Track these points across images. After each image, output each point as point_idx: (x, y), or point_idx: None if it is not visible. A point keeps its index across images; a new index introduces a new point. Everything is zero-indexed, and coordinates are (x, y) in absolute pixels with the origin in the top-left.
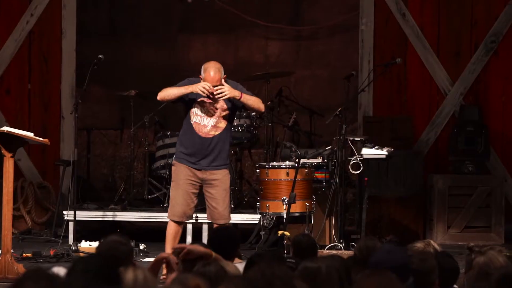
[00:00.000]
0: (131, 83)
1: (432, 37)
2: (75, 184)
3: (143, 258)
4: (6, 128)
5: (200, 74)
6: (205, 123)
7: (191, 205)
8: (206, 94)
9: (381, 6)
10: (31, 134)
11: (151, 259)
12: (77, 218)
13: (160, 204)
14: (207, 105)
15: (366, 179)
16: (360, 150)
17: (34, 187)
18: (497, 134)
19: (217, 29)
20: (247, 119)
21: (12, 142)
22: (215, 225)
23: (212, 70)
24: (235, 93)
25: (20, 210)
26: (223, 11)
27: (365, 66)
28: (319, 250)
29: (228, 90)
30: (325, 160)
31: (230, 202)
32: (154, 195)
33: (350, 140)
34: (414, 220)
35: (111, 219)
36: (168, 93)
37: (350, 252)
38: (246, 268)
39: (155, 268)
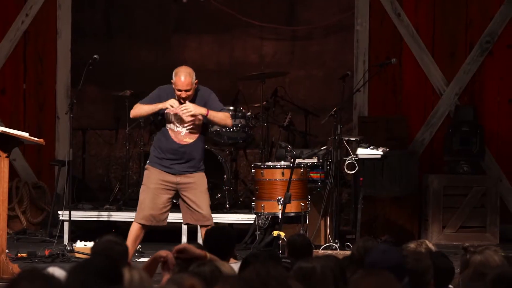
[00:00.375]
0: (126, 83)
1: (427, 37)
2: (70, 184)
3: (138, 258)
4: (1, 128)
5: (172, 79)
6: (179, 130)
7: (162, 209)
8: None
9: (376, 6)
10: (26, 134)
11: (146, 259)
12: (72, 218)
13: None
14: (181, 113)
15: (361, 179)
16: (355, 150)
17: (29, 187)
18: (492, 134)
19: (212, 29)
20: (243, 119)
21: (7, 142)
22: (201, 228)
23: (182, 75)
24: (201, 111)
25: (15, 210)
26: (218, 11)
27: (360, 66)
28: (314, 250)
29: (193, 108)
30: (320, 160)
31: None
32: None
33: (345, 140)
34: (409, 220)
35: (106, 219)
36: (140, 112)
37: (345, 252)
38: (241, 268)
39: (150, 267)
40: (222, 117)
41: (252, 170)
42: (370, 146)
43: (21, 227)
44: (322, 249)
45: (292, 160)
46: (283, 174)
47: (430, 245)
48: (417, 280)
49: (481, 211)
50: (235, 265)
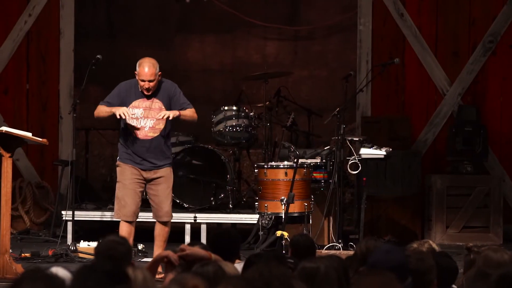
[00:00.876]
0: None
1: (430, 37)
2: (73, 184)
3: (142, 258)
4: (4, 128)
5: (136, 70)
6: (142, 125)
7: (139, 204)
8: (135, 127)
9: (379, 6)
10: (29, 134)
11: (150, 259)
12: (75, 218)
13: None
14: (144, 107)
15: (364, 179)
16: (359, 150)
17: (32, 187)
18: (495, 134)
19: (214, 29)
20: (246, 119)
21: (10, 142)
22: (156, 223)
23: (146, 66)
24: (175, 113)
25: (18, 210)
26: (220, 11)
27: (363, 66)
28: (317, 250)
29: (170, 114)
30: (324, 160)
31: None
32: None
33: (348, 140)
34: (412, 220)
35: (109, 219)
36: (99, 114)
37: (348, 252)
38: (244, 268)
39: (154, 267)
40: (190, 114)
41: (255, 170)
42: (373, 146)
43: (25, 227)
44: (325, 249)
45: (295, 160)
46: (286, 174)
47: (434, 245)
48: (420, 280)
49: (484, 211)
50: (239, 265)
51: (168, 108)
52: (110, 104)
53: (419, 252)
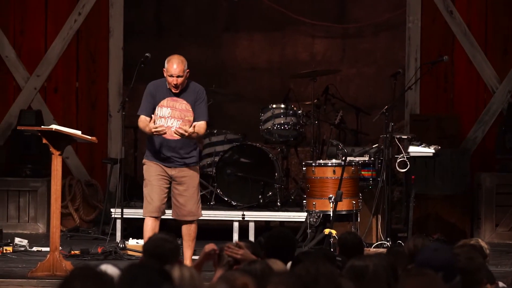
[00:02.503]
0: None
1: (479, 35)
2: (122, 182)
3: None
4: (54, 126)
5: (164, 67)
6: (169, 125)
7: (164, 200)
8: (163, 131)
9: (428, 3)
10: (79, 132)
11: (196, 257)
12: (124, 216)
13: (207, 202)
14: (171, 107)
15: (413, 177)
16: (407, 148)
17: (82, 185)
18: None
19: (263, 27)
20: (294, 117)
21: (60, 140)
22: (182, 224)
23: (175, 62)
24: (191, 132)
25: (68, 207)
26: (269, 9)
27: (412, 63)
28: (365, 248)
29: (186, 133)
30: (372, 158)
31: (200, 199)
32: (201, 193)
33: (396, 138)
34: (461, 218)
35: None
36: (142, 129)
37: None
38: (292, 266)
39: (200, 265)
40: (198, 129)
41: (303, 168)
42: (421, 144)
43: (74, 225)
44: (373, 247)
45: (343, 158)
46: (334, 172)
47: (483, 244)
48: (470, 279)
49: None
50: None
51: (194, 109)
52: (146, 112)
53: (468, 251)
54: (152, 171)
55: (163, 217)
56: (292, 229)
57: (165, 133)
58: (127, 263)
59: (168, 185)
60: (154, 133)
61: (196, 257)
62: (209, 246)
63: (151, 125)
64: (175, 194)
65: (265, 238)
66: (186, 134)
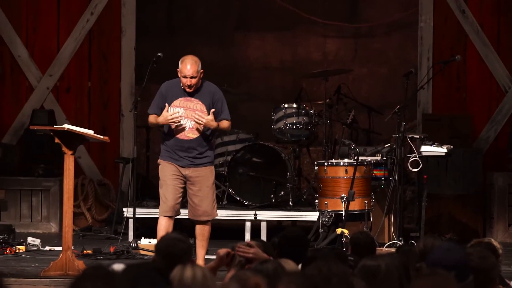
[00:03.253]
0: None
1: (492, 34)
2: (134, 182)
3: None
4: (66, 126)
5: (178, 67)
6: (183, 125)
7: (179, 200)
8: (177, 121)
9: (440, 3)
10: (91, 132)
11: (209, 257)
12: (136, 215)
13: (219, 201)
14: (185, 107)
15: (425, 176)
16: (419, 147)
17: (94, 185)
18: None
19: (274, 27)
20: (306, 116)
21: (72, 140)
22: (196, 224)
23: (189, 63)
24: (214, 125)
25: (80, 207)
26: (281, 8)
27: (424, 63)
28: (377, 248)
29: (209, 125)
30: (384, 158)
31: (215, 199)
32: None
33: (409, 137)
34: (473, 218)
35: None
36: (152, 124)
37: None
38: (304, 265)
39: (216, 268)
40: (226, 126)
41: (316, 168)
42: (434, 144)
43: (87, 224)
44: (385, 247)
45: (355, 158)
46: (346, 171)
47: (495, 243)
48: (482, 278)
49: None
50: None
51: (209, 110)
52: (155, 111)
53: (481, 250)
54: (166, 171)
55: (178, 216)
56: (304, 228)
57: (179, 121)
58: (128, 264)
59: (183, 185)
60: (170, 121)
61: (208, 257)
62: (223, 250)
63: (165, 113)
64: (189, 194)
65: (279, 238)
66: (204, 120)
